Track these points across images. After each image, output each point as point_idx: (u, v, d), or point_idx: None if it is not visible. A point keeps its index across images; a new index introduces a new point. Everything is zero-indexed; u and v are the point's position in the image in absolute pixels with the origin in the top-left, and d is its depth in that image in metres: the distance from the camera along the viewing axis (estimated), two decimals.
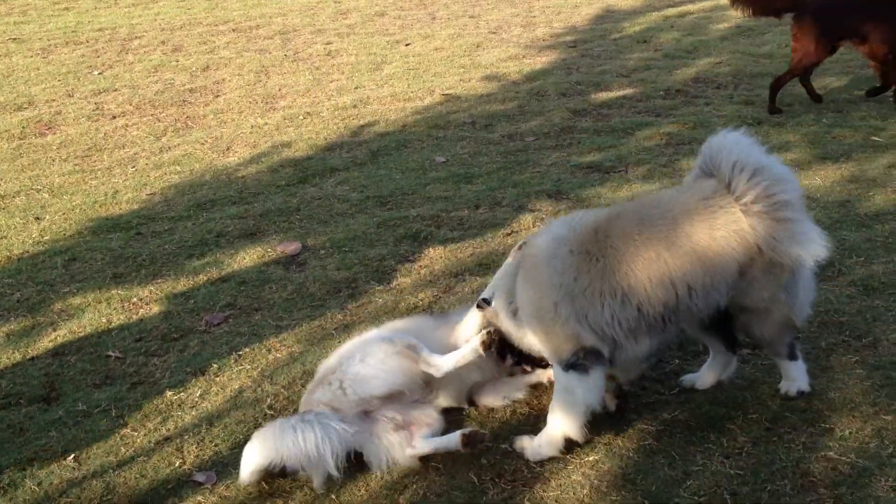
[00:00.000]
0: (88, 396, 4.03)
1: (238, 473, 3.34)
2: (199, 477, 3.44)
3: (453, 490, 3.28)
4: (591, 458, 3.39)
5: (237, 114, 8.24)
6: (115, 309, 4.81)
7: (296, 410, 3.63)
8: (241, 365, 4.20)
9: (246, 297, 4.86)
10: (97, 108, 8.52)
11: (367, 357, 3.51)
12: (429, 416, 3.54)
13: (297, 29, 11.67)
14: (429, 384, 3.60)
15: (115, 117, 8.28)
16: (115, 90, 9.11)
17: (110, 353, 4.38)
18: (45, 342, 4.52)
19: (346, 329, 4.43)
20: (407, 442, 3.43)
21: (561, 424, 3.36)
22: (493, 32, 11.08)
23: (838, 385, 3.72)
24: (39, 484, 3.47)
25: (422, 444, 3.42)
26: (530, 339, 3.45)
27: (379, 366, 3.48)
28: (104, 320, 4.69)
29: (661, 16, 11.52)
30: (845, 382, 3.73)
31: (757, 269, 3.31)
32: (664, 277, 3.22)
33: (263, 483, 3.34)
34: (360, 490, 3.33)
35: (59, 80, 9.53)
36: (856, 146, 6.53)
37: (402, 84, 8.89)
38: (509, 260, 3.66)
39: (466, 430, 3.41)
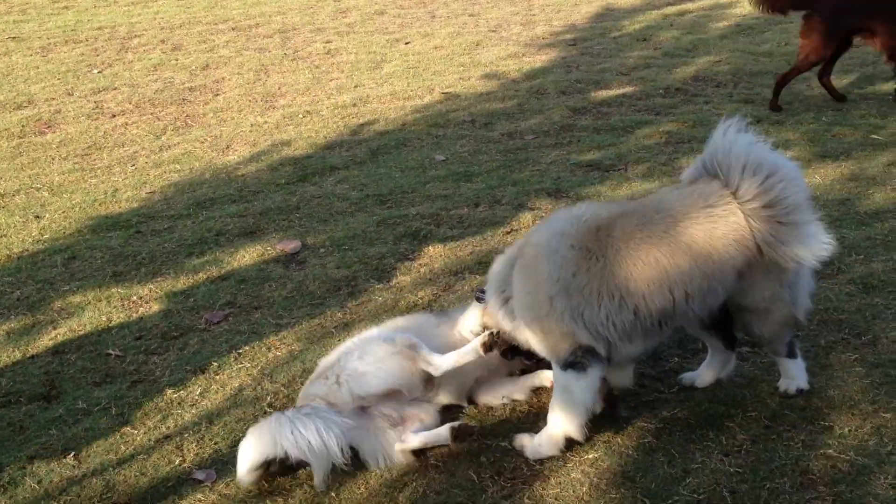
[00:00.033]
0: (88, 394, 4.03)
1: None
2: (199, 475, 3.44)
3: (453, 488, 3.28)
4: (590, 456, 3.40)
5: (237, 112, 8.24)
6: (115, 307, 4.81)
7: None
8: (241, 363, 4.20)
9: (246, 295, 4.87)
10: (97, 107, 8.52)
11: (365, 354, 3.51)
12: (424, 412, 3.54)
13: (297, 27, 11.67)
14: (429, 382, 3.59)
15: (114, 116, 8.28)
16: (115, 89, 9.11)
17: (110, 351, 4.38)
18: (46, 340, 4.52)
19: (346, 327, 4.43)
20: (399, 437, 3.43)
21: (561, 423, 3.36)
22: (493, 31, 11.08)
23: (837, 383, 3.72)
24: (39, 482, 3.47)
25: (412, 437, 3.42)
26: (525, 334, 3.43)
27: (377, 364, 3.47)
28: (104, 318, 4.70)
29: (660, 14, 11.53)
30: (844, 380, 3.73)
31: (757, 270, 3.31)
32: (663, 283, 3.22)
33: (263, 481, 3.34)
34: (359, 488, 3.33)
35: (58, 79, 9.53)
36: (855, 144, 6.53)
37: (401, 82, 8.89)
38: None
39: (456, 424, 3.40)
